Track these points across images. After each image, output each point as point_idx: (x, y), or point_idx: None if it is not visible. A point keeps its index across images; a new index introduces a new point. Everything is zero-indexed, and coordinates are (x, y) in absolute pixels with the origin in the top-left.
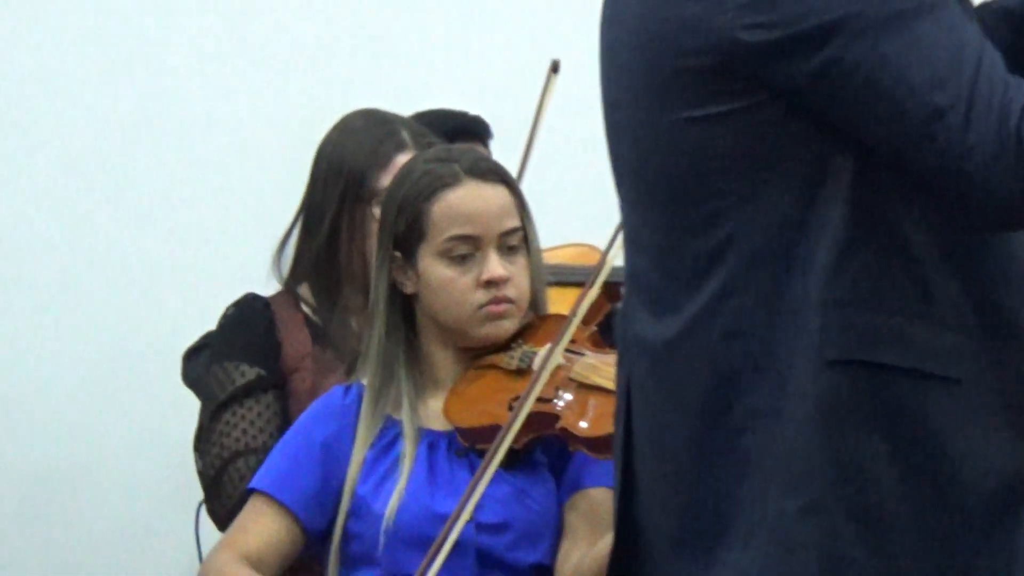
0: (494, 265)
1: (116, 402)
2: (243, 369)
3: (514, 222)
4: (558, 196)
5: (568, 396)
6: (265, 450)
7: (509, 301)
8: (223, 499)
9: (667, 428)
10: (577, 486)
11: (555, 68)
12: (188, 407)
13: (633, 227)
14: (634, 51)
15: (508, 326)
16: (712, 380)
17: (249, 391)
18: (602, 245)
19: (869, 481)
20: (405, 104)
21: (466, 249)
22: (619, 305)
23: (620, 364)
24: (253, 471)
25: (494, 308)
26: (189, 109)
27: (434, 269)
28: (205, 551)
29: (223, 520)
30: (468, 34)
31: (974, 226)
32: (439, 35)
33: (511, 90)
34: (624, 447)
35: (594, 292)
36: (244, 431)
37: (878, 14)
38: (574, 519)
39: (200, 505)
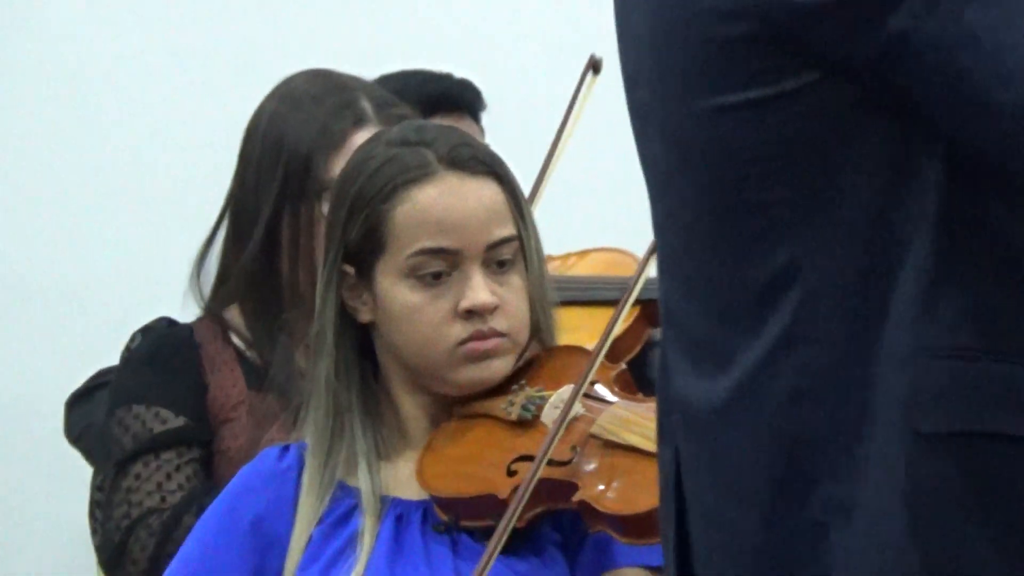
0: (478, 289)
1: None
2: (162, 415)
3: (505, 230)
4: (587, 187)
5: (589, 458)
6: (193, 506)
7: (499, 335)
8: (128, 570)
9: (726, 525)
10: (603, 566)
11: (595, 68)
12: (79, 470)
13: (667, 247)
14: (650, 15)
15: (498, 367)
16: (778, 462)
17: (168, 442)
18: (640, 251)
19: None
20: (371, 66)
21: (440, 267)
22: (657, 334)
23: (662, 435)
24: (169, 534)
25: (478, 345)
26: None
27: (397, 292)
28: None
29: None
30: None
31: None
32: None
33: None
34: (678, 541)
35: (624, 317)
36: (159, 485)
37: None
38: None
39: None
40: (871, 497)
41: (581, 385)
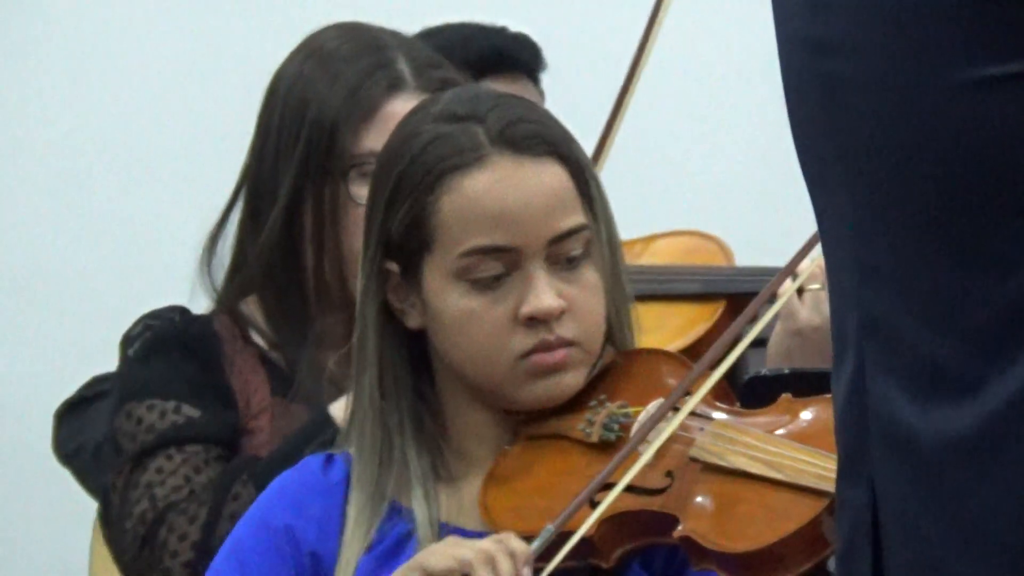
0: (541, 292)
1: None
2: (182, 408)
3: (572, 220)
4: (658, 160)
5: (690, 486)
6: (215, 512)
7: (568, 344)
8: (166, 564)
9: (959, 569)
10: None
11: None
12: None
13: (872, 246)
14: None
15: (569, 382)
16: None
17: (188, 435)
18: (729, 237)
19: None
20: (409, 19)
21: (497, 268)
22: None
23: (850, 474)
24: (203, 531)
25: (544, 358)
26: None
27: (448, 297)
28: None
29: None
30: None
31: None
32: None
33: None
34: None
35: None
36: (187, 477)
37: None
38: None
39: None
40: None
41: (673, 401)
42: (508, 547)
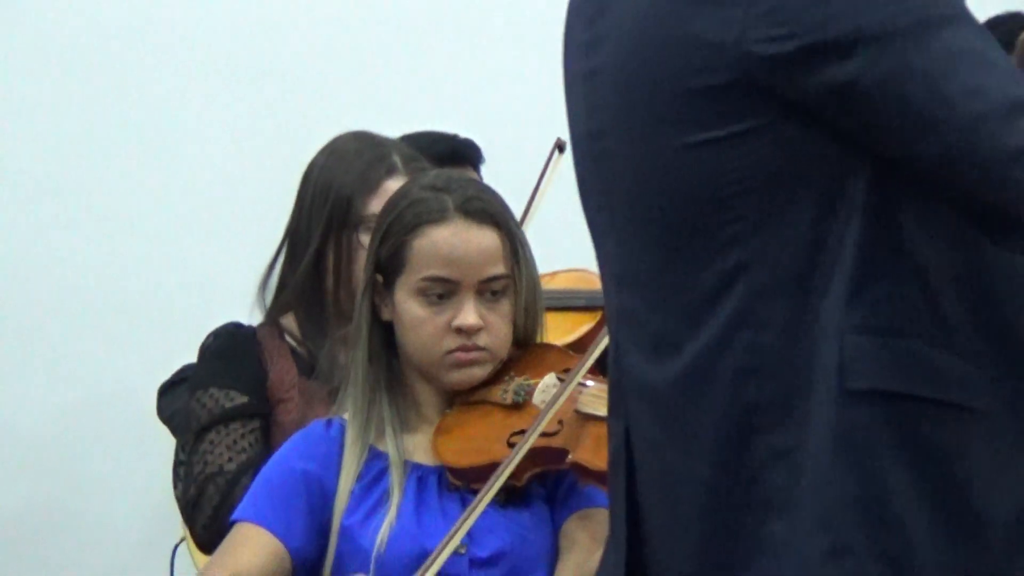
0: (468, 312)
1: (92, 443)
2: (231, 395)
3: (498, 269)
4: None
5: (577, 428)
6: (250, 470)
7: (480, 350)
8: (205, 518)
9: (679, 474)
10: (580, 506)
11: (561, 148)
12: (162, 448)
13: (624, 264)
14: (628, 74)
15: (477, 373)
16: (726, 420)
17: (235, 415)
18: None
19: (896, 520)
20: (396, 126)
21: (442, 290)
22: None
23: (615, 410)
24: (230, 491)
25: (462, 356)
26: (173, 135)
27: (408, 305)
28: None
29: (206, 543)
30: (466, 57)
31: (1014, 246)
32: (436, 58)
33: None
34: (628, 500)
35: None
36: (228, 447)
37: (901, 24)
38: (576, 532)
39: (176, 547)
40: (807, 442)
41: (571, 381)
42: None
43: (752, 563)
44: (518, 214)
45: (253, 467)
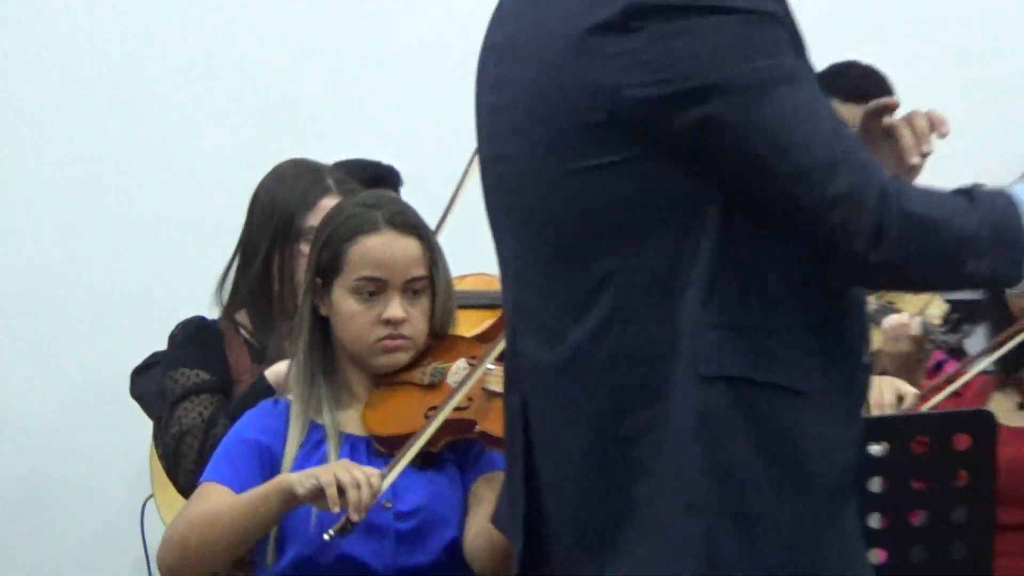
0: (394, 307)
1: (72, 418)
2: (199, 373)
3: (420, 271)
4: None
5: (483, 404)
6: (220, 419)
7: (404, 338)
8: (187, 467)
9: (565, 442)
10: (486, 469)
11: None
12: (132, 420)
13: (519, 266)
14: (529, 111)
15: (401, 358)
16: (603, 398)
17: (203, 389)
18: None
19: (742, 482)
20: (331, 153)
21: (373, 288)
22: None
23: (511, 388)
24: (205, 440)
25: (388, 343)
26: (150, 154)
27: (344, 301)
28: (151, 546)
29: (188, 490)
30: (390, 93)
31: (834, 276)
32: (365, 95)
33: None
34: (525, 463)
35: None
36: (200, 414)
37: (750, 81)
38: (482, 491)
39: (145, 503)
40: (669, 418)
41: (481, 364)
42: (356, 471)
43: (622, 517)
44: (438, 218)
45: (221, 419)
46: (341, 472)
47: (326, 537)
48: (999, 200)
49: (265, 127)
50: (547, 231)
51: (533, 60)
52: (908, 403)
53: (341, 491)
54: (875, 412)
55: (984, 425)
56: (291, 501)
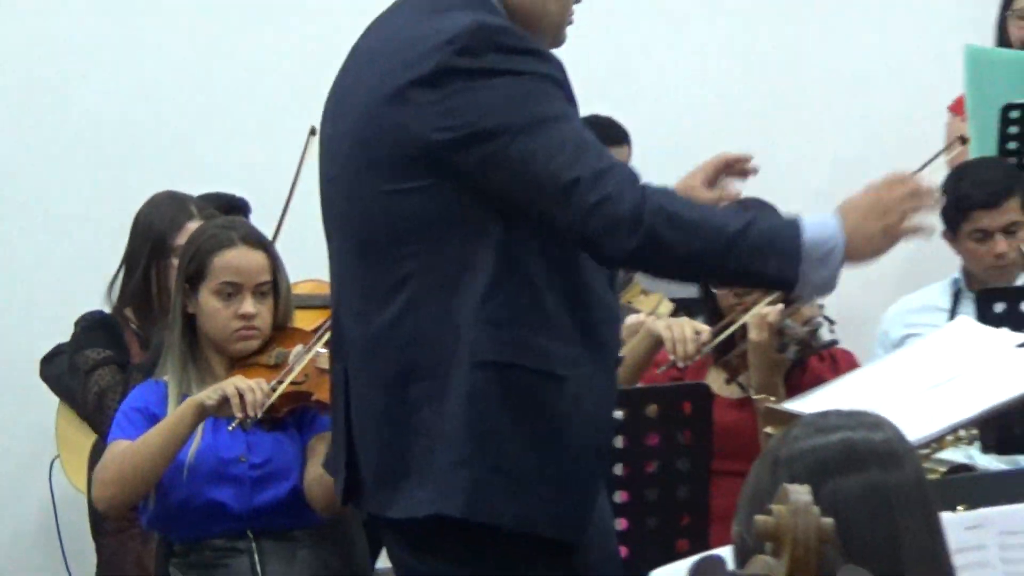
0: (248, 305)
1: None
2: (103, 351)
3: (267, 277)
4: (304, 240)
5: (317, 379)
6: (135, 373)
7: (255, 329)
8: (103, 420)
9: (369, 403)
10: (319, 430)
11: (313, 131)
12: (38, 398)
13: (342, 263)
14: (355, 142)
15: (253, 345)
16: (396, 371)
17: (110, 362)
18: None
19: (503, 444)
20: (193, 185)
21: (231, 291)
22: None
23: (336, 359)
24: (119, 401)
25: (243, 332)
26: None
27: (209, 301)
28: (59, 502)
29: (106, 435)
30: (237, 127)
31: (603, 263)
32: (220, 132)
33: (273, 168)
34: (345, 416)
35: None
36: (112, 377)
37: (525, 121)
38: (317, 445)
39: (53, 461)
40: (448, 391)
41: (311, 347)
42: (249, 381)
43: (408, 466)
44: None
45: (132, 382)
46: (239, 382)
47: (230, 428)
48: (782, 218)
49: (135, 161)
50: (362, 239)
51: (362, 103)
52: (704, 338)
53: (241, 397)
54: (677, 346)
55: (702, 395)
56: (203, 413)
